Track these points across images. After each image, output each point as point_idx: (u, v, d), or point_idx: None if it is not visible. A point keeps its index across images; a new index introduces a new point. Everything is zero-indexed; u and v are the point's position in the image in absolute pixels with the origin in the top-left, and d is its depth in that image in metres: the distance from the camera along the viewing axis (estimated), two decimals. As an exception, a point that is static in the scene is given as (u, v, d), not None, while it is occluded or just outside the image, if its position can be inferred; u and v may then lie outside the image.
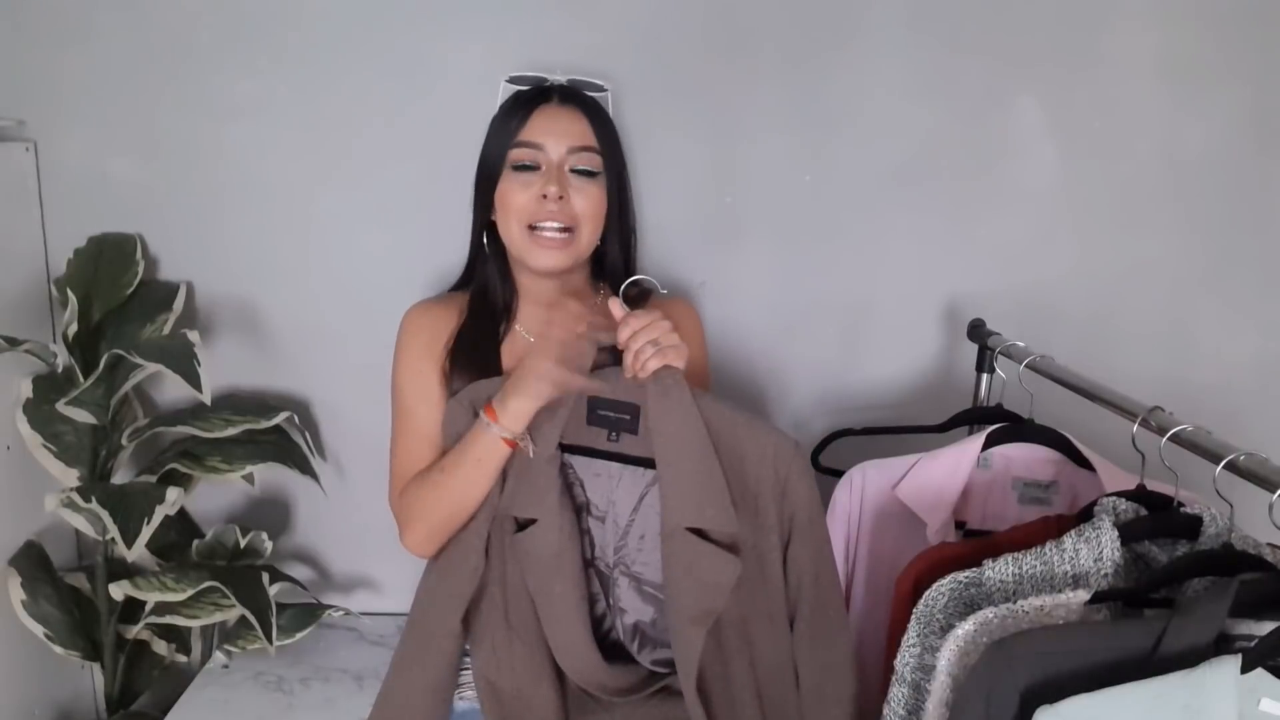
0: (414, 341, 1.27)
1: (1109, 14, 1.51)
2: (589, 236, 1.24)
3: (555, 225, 1.20)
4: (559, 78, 1.27)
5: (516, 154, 1.20)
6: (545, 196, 1.19)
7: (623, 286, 1.16)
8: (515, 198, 1.20)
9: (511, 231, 1.22)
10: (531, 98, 1.23)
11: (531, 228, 1.20)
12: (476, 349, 1.25)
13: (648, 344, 1.08)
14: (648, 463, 1.13)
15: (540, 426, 1.13)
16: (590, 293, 1.33)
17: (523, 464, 1.13)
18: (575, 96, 1.25)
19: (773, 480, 1.10)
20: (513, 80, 1.26)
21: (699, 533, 1.08)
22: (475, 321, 1.27)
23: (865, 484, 1.32)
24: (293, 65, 1.50)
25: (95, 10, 1.48)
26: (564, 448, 1.15)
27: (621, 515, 1.17)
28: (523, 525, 1.14)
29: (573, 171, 1.21)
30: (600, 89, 1.28)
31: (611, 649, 1.19)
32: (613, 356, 1.15)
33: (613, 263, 1.31)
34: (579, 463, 1.17)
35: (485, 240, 1.28)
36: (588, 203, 1.21)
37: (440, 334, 1.26)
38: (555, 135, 1.20)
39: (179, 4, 1.48)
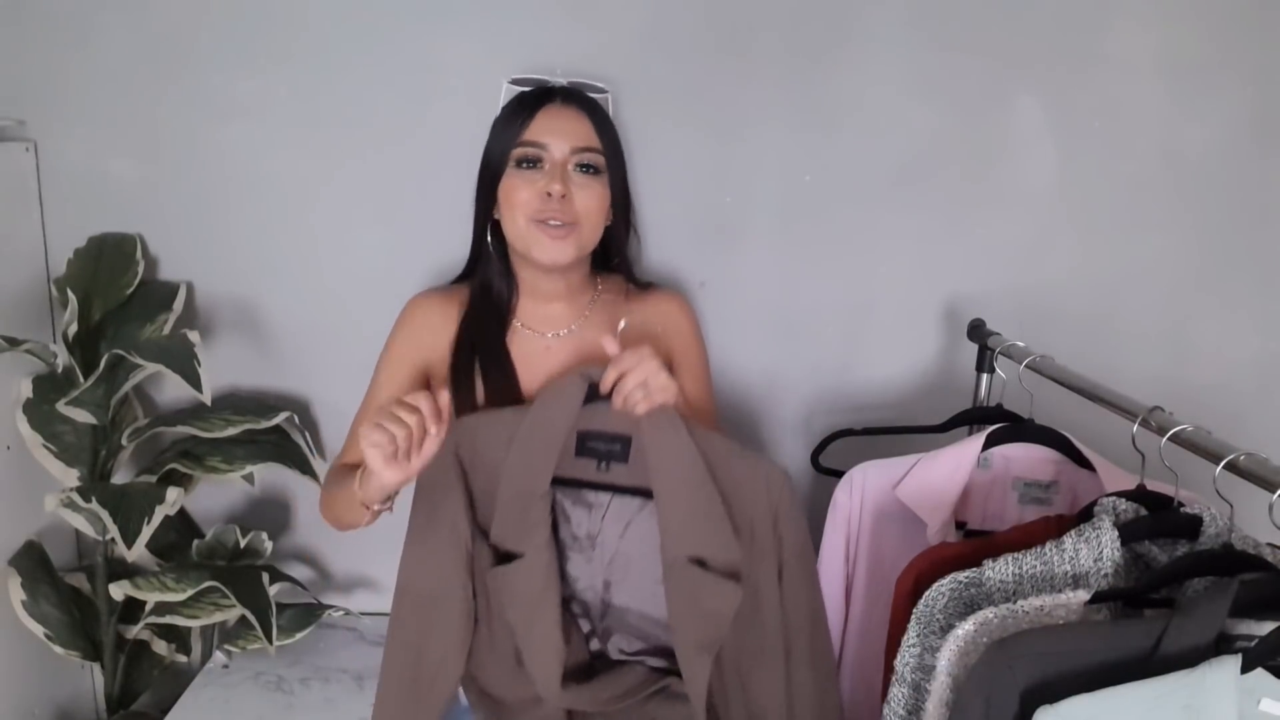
0: (410, 335, 1.29)
1: (1109, 14, 1.51)
2: (590, 233, 1.24)
3: (557, 222, 1.20)
4: (560, 80, 1.27)
5: (520, 152, 1.21)
6: (549, 195, 1.19)
7: (620, 326, 1.18)
8: (519, 194, 1.20)
9: (517, 225, 1.22)
10: (535, 98, 1.23)
11: (536, 222, 1.21)
12: (482, 343, 1.26)
13: (636, 388, 1.08)
14: (637, 491, 1.13)
15: (533, 462, 1.11)
16: (589, 288, 1.33)
17: (512, 496, 1.12)
18: (578, 97, 1.26)
19: (767, 506, 1.10)
20: (515, 82, 1.27)
21: (699, 562, 1.08)
22: (478, 318, 1.28)
23: (865, 484, 1.32)
24: (293, 65, 1.50)
25: (95, 10, 1.48)
26: (554, 480, 1.13)
27: (609, 544, 1.16)
28: (501, 557, 1.13)
29: (576, 169, 1.22)
30: (601, 90, 1.29)
31: (600, 660, 1.19)
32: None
33: (610, 258, 1.34)
34: (567, 494, 1.16)
35: (489, 237, 1.29)
36: (590, 199, 1.22)
37: (438, 331, 1.28)
38: (559, 135, 1.21)
39: (179, 4, 1.48)
